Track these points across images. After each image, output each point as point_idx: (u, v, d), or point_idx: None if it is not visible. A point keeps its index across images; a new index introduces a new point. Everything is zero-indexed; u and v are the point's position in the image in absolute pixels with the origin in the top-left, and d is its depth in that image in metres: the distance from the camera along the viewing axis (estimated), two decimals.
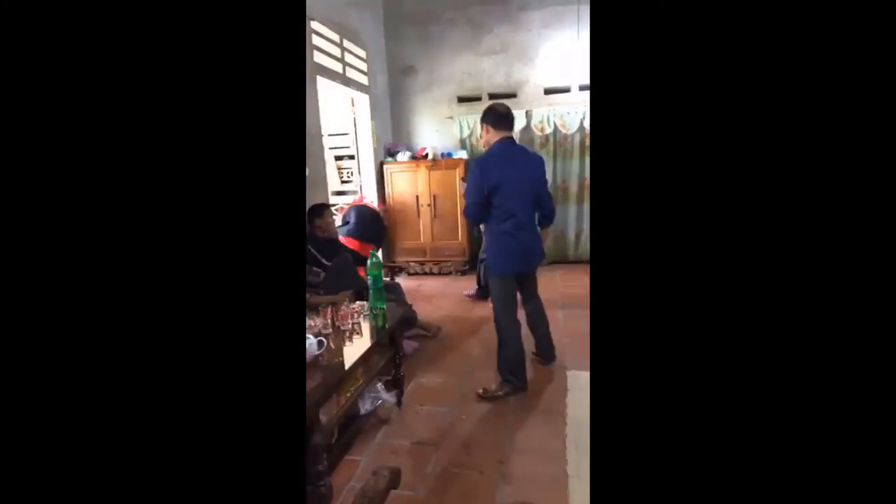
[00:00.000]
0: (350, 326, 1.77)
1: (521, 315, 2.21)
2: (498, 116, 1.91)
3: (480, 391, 2.06)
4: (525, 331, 2.23)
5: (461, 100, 4.59)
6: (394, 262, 4.34)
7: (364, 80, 4.08)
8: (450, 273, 4.34)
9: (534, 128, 4.38)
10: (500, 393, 2.05)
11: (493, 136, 1.94)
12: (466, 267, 4.39)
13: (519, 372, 2.07)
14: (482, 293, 3.52)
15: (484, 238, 2.23)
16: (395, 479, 0.87)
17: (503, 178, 1.87)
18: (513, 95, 4.47)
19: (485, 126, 1.96)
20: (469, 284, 3.81)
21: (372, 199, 4.40)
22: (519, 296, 2.17)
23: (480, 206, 1.92)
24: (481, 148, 3.95)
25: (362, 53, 4.05)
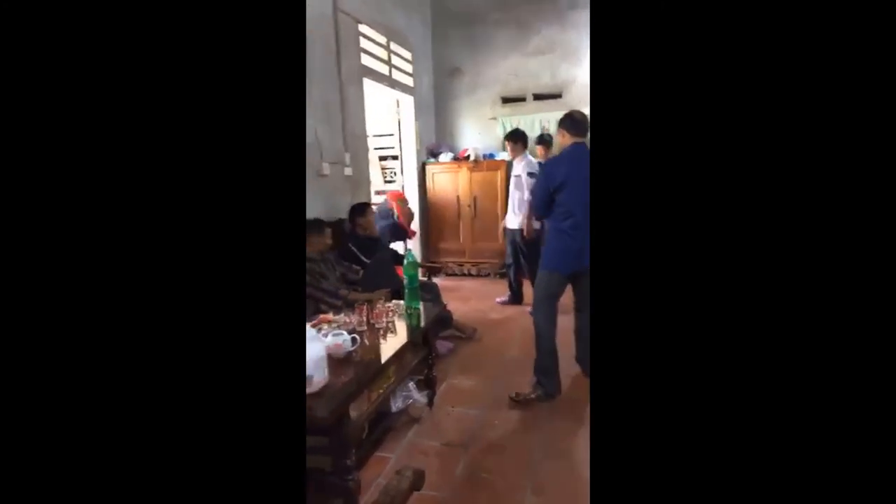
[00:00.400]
0: (384, 324, 1.80)
1: (570, 321, 2.21)
2: (574, 122, 2.08)
3: (513, 395, 2.04)
4: (567, 338, 2.20)
5: (505, 101, 4.55)
6: (432, 262, 4.37)
7: (409, 81, 4.14)
8: (488, 275, 4.31)
9: None
10: (531, 396, 2.03)
11: (568, 140, 2.09)
12: (505, 269, 4.34)
13: (550, 374, 2.07)
14: (514, 299, 3.47)
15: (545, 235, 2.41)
16: (418, 480, 0.86)
17: (567, 179, 2.00)
18: (558, 96, 4.38)
19: (561, 130, 2.12)
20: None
21: (412, 197, 4.44)
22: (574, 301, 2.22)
23: (545, 203, 2.08)
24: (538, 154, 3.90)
25: (408, 55, 4.11)
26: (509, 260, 3.47)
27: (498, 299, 3.53)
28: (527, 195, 3.21)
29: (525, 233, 3.28)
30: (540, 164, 4.00)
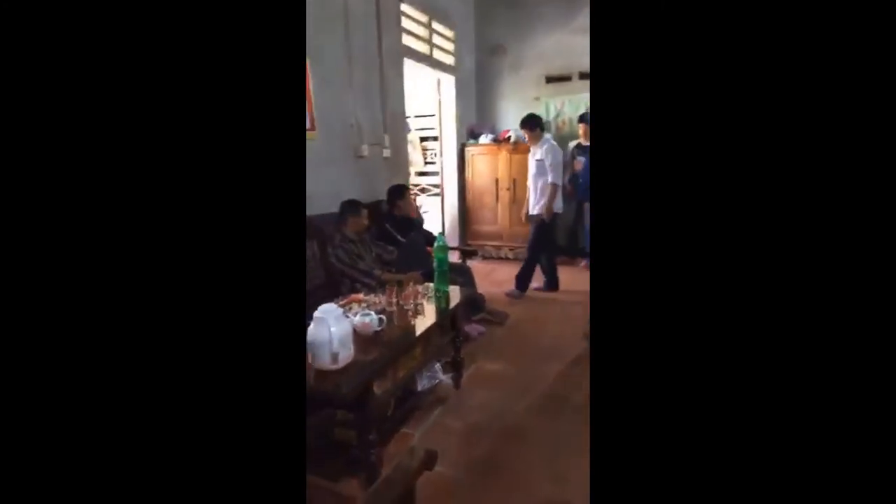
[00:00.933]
0: (413, 306, 1.83)
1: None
2: None
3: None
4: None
5: (549, 80, 4.39)
6: (469, 244, 4.36)
7: (451, 60, 4.08)
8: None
9: None
10: None
11: None
12: (531, 256, 4.26)
13: None
14: (551, 285, 3.40)
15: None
16: (430, 460, 0.88)
17: None
18: None
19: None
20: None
21: (451, 184, 4.43)
22: None
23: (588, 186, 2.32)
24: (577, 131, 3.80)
25: (450, 34, 4.04)
26: (535, 246, 3.35)
27: (534, 285, 3.48)
28: (550, 178, 3.14)
29: (545, 216, 3.19)
30: (579, 145, 3.88)
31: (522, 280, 3.32)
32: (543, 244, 3.31)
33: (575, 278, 3.62)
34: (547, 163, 3.17)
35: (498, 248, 4.41)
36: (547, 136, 3.33)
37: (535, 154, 3.27)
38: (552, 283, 3.41)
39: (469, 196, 4.45)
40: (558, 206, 3.27)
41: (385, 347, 1.52)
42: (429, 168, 4.95)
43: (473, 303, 2.71)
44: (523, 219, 3.53)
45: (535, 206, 3.30)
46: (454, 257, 3.88)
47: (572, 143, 4.06)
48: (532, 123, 3.22)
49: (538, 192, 3.26)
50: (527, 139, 3.33)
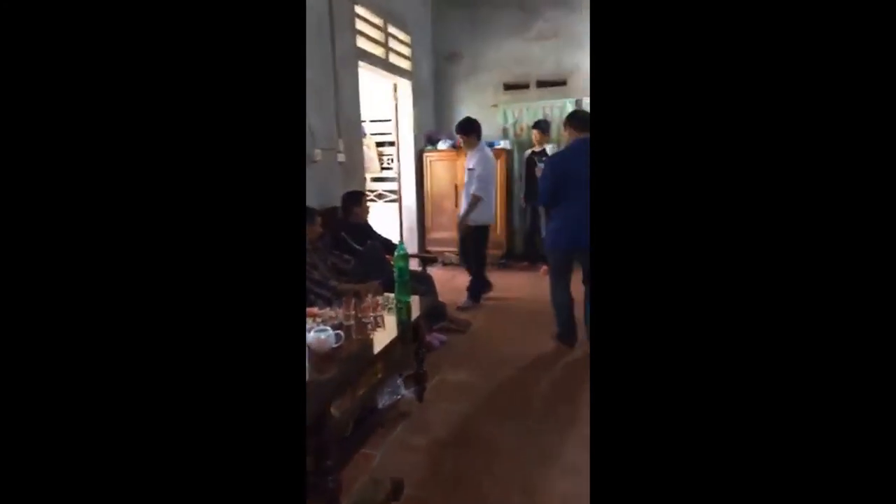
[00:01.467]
0: (372, 319, 1.74)
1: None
2: (579, 120, 2.41)
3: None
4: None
5: (507, 87, 4.44)
6: (428, 251, 4.30)
7: (407, 65, 4.02)
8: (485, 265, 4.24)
9: None
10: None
11: (574, 135, 2.39)
12: (504, 261, 4.28)
13: (567, 325, 2.49)
14: (474, 297, 3.26)
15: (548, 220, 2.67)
16: (396, 490, 0.81)
17: (572, 172, 2.27)
18: (563, 83, 4.26)
19: (568, 128, 2.43)
20: (507, 278, 3.72)
21: (409, 190, 4.35)
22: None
23: (552, 194, 2.37)
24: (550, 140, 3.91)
25: (406, 38, 3.99)
26: (475, 254, 3.22)
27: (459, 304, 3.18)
28: (473, 188, 2.99)
29: (460, 228, 3.08)
30: (534, 152, 3.90)
31: (474, 290, 3.23)
32: (475, 252, 3.20)
33: (537, 282, 3.65)
34: (475, 173, 3.01)
35: (458, 254, 4.37)
36: (483, 144, 3.15)
37: (469, 162, 3.09)
38: (478, 294, 3.24)
39: (428, 202, 4.40)
40: (485, 217, 3.11)
41: (343, 364, 1.42)
42: (385, 174, 4.85)
43: (435, 311, 2.64)
44: (456, 226, 3.33)
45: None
46: (413, 265, 3.81)
47: (528, 152, 4.10)
48: (467, 128, 3.05)
49: (466, 203, 3.10)
50: (463, 145, 3.16)
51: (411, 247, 4.38)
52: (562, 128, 3.92)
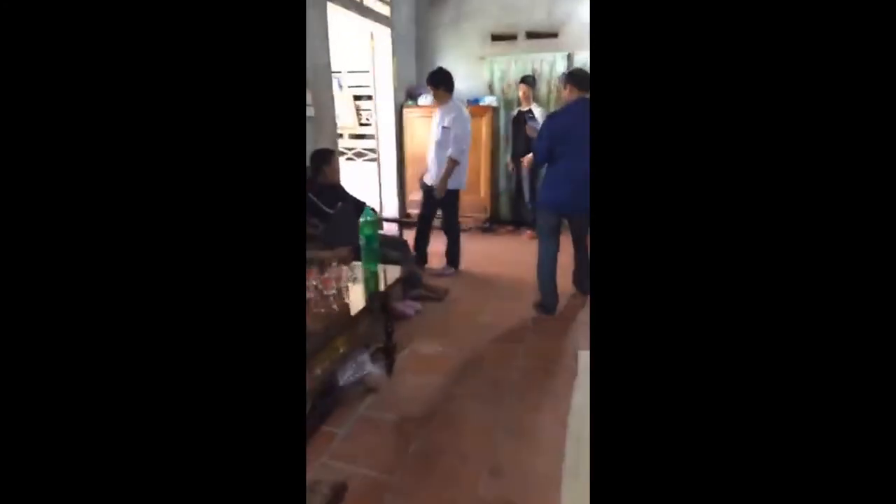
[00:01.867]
0: (335, 290, 1.59)
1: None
2: (580, 78, 2.30)
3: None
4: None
5: (495, 38, 4.13)
6: (408, 215, 4.12)
7: (385, 10, 3.68)
8: (469, 229, 4.09)
9: None
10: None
11: (574, 94, 2.29)
12: (487, 224, 4.13)
13: (549, 293, 2.43)
14: (419, 260, 3.02)
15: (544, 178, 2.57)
16: (337, 494, 0.70)
17: (570, 132, 2.23)
18: (554, 35, 3.97)
19: (568, 85, 2.31)
20: (490, 243, 3.59)
21: (389, 149, 4.11)
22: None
23: (547, 152, 2.31)
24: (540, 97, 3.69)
25: None
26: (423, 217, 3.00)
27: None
28: (450, 151, 2.74)
29: (437, 193, 2.81)
30: (522, 111, 3.68)
31: (453, 256, 3.07)
32: (451, 217, 2.97)
33: (521, 248, 3.52)
34: (451, 133, 2.73)
35: (439, 218, 4.21)
36: (456, 99, 2.85)
37: (442, 120, 2.79)
38: (421, 259, 3.01)
39: (409, 162, 4.17)
40: (457, 183, 2.85)
41: None
42: (364, 130, 4.57)
43: (410, 278, 2.51)
44: (417, 185, 3.08)
45: (434, 178, 2.86)
46: (392, 229, 3.64)
47: (515, 111, 3.86)
48: (437, 80, 2.74)
49: (434, 160, 2.85)
50: (433, 99, 2.87)
51: (391, 210, 4.19)
52: (557, 85, 3.73)
